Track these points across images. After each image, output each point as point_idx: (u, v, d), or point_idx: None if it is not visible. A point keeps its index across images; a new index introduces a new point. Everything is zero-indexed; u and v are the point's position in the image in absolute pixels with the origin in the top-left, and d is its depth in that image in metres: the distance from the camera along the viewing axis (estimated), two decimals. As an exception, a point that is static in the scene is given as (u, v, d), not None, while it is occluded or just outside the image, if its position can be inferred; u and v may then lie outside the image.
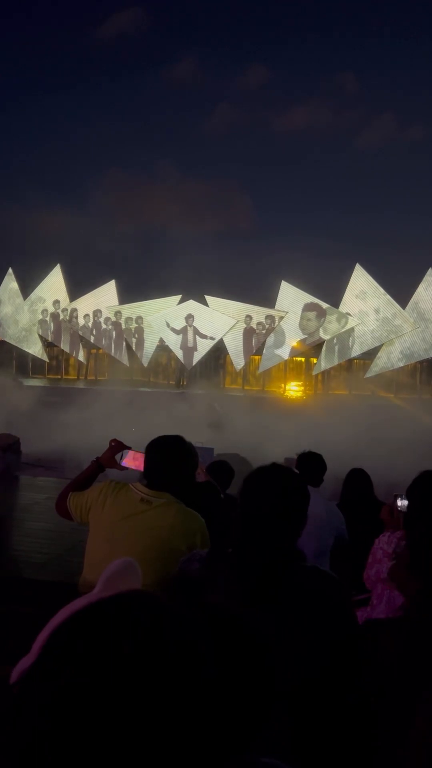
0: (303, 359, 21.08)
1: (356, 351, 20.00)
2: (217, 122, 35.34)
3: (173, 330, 20.85)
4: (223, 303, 20.60)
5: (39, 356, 22.57)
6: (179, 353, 21.04)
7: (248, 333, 20.51)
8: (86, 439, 7.68)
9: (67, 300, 22.09)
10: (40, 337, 22.46)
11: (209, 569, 1.58)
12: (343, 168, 34.80)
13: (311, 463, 4.03)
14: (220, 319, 20.56)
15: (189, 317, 20.78)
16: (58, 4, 40.80)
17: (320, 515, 3.45)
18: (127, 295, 21.61)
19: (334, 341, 20.04)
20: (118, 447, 2.61)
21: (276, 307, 20.42)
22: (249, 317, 20.46)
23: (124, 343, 21.57)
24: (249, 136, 38.62)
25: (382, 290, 19.60)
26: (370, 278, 19.74)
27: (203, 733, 0.58)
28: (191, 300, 20.85)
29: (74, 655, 0.58)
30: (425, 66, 38.35)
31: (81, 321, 21.93)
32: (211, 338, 20.66)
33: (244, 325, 20.50)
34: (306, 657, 1.33)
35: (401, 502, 2.65)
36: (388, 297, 19.54)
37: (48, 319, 22.34)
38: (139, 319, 21.32)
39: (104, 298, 21.75)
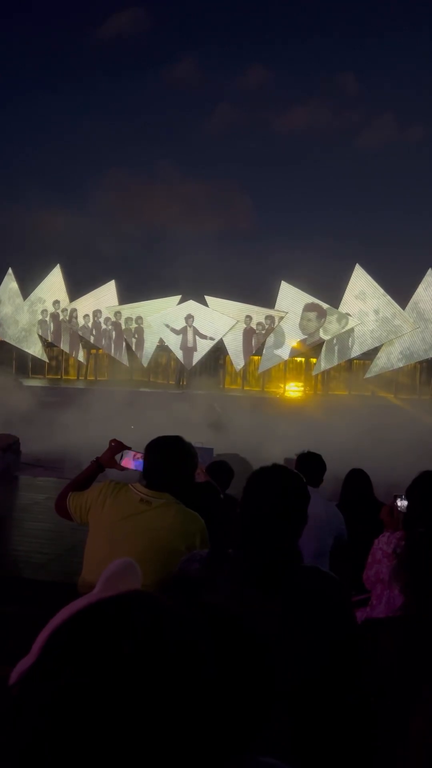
0: (303, 359, 21.09)
1: (356, 351, 20.01)
2: (217, 122, 35.33)
3: (173, 330, 20.86)
4: (223, 303, 20.61)
5: (39, 356, 22.57)
6: (179, 353, 21.05)
7: (248, 333, 20.52)
8: (86, 440, 7.69)
9: (67, 300, 22.09)
10: (40, 337, 22.46)
11: (209, 569, 1.58)
12: (343, 168, 34.79)
13: (311, 464, 4.03)
14: (219, 320, 20.57)
15: (189, 317, 20.78)
16: (58, 4, 40.80)
17: (320, 515, 3.45)
18: (127, 295, 21.62)
19: (334, 341, 20.05)
20: (117, 447, 2.61)
21: (276, 308, 20.42)
22: (249, 317, 20.47)
23: (124, 344, 21.57)
24: (249, 136, 38.62)
25: (381, 290, 19.61)
26: (370, 279, 19.75)
27: (203, 733, 0.58)
28: (191, 300, 20.86)
29: (74, 655, 0.58)
30: (426, 66, 38.38)
31: (81, 321, 21.93)
32: (211, 338, 20.66)
33: (244, 326, 20.51)
34: (306, 657, 1.33)
35: (401, 503, 2.65)
36: (388, 297, 19.55)
37: (48, 319, 22.34)
38: (139, 319, 21.32)
39: (104, 298, 21.75)
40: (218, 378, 21.14)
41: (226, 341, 20.69)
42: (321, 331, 19.99)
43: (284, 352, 20.50)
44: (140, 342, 21.38)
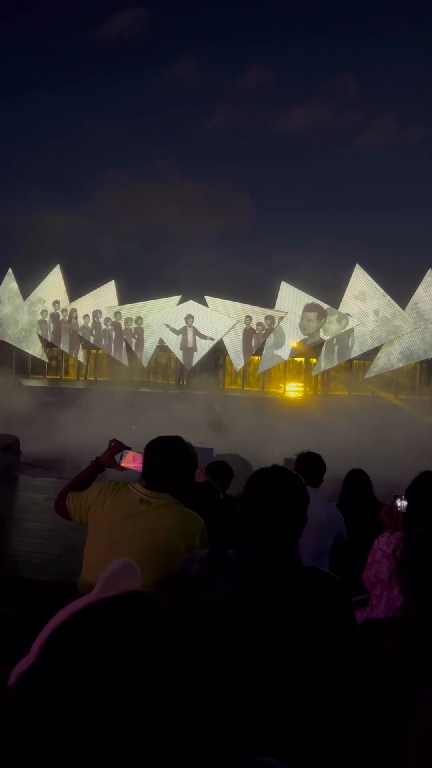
0: (303, 360, 21.09)
1: (356, 351, 20.01)
2: (217, 122, 35.33)
3: (173, 330, 20.86)
4: (223, 303, 20.61)
5: (39, 356, 22.57)
6: (179, 353, 21.05)
7: (248, 333, 20.52)
8: (86, 440, 7.69)
9: (67, 300, 22.09)
10: (40, 337, 22.46)
11: (208, 570, 1.58)
12: (343, 168, 34.80)
13: (310, 464, 4.03)
14: (219, 320, 20.57)
15: (189, 317, 20.79)
16: (58, 4, 40.81)
17: (320, 516, 3.45)
18: (127, 295, 21.62)
19: (334, 342, 20.05)
20: (117, 447, 2.61)
21: (276, 308, 20.43)
22: (249, 318, 20.47)
23: (124, 344, 21.58)
24: (249, 136, 38.60)
25: (381, 291, 19.62)
26: (370, 279, 19.76)
27: (203, 733, 0.58)
28: (191, 300, 20.86)
29: (74, 655, 0.58)
30: (426, 66, 38.38)
31: (81, 321, 21.94)
32: (211, 339, 20.67)
33: (244, 326, 20.51)
34: (306, 657, 1.33)
35: (401, 503, 2.65)
36: (388, 298, 19.55)
37: (48, 319, 22.34)
38: (139, 319, 21.33)
39: (104, 298, 21.76)
40: (218, 378, 21.14)
41: (226, 341, 20.69)
42: (321, 331, 20.00)
43: (284, 353, 20.50)
44: (140, 342, 21.38)
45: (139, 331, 21.36)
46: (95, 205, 33.35)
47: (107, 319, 21.61)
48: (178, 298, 20.99)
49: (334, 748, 1.27)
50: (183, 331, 20.87)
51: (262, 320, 20.45)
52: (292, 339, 20.21)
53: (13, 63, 38.88)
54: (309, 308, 20.04)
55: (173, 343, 21.02)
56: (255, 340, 20.55)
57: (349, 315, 19.72)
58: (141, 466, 2.43)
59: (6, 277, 22.47)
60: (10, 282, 22.47)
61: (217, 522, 2.59)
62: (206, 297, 20.64)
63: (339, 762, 1.27)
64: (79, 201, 35.59)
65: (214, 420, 12.59)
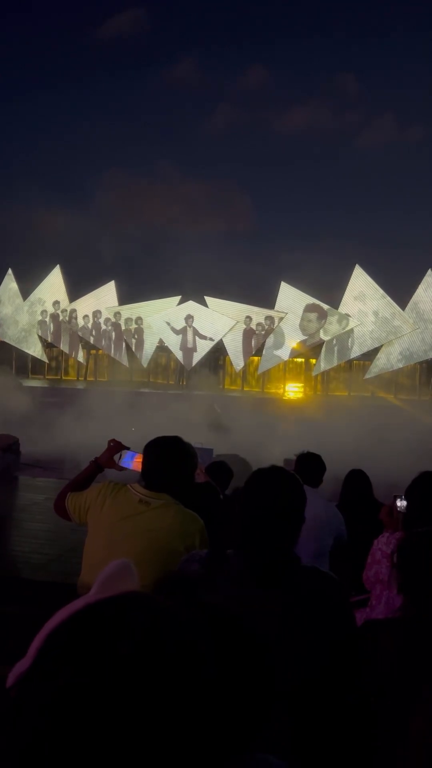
0: (302, 360, 21.09)
1: (356, 352, 20.02)
2: (217, 122, 35.36)
3: (173, 330, 20.86)
4: (223, 304, 20.62)
5: (38, 357, 22.57)
6: (179, 354, 21.05)
7: (248, 334, 20.52)
8: (85, 440, 7.69)
9: (67, 301, 22.09)
10: (40, 337, 22.46)
11: (208, 570, 1.58)
12: (343, 168, 34.84)
13: (310, 464, 4.03)
14: (219, 320, 20.57)
15: (188, 318, 20.79)
16: (59, 4, 40.83)
17: (320, 516, 3.45)
18: (127, 295, 21.62)
19: (334, 342, 20.06)
20: (116, 447, 2.60)
21: (275, 308, 20.43)
22: (248, 318, 20.47)
23: (124, 344, 21.58)
24: (249, 136, 38.62)
25: (381, 291, 19.62)
26: (370, 279, 19.76)
27: (204, 733, 0.58)
28: (191, 301, 20.86)
29: (73, 655, 0.58)
30: (426, 66, 38.40)
31: (80, 322, 21.94)
32: (211, 339, 20.67)
33: (244, 326, 20.51)
34: (306, 657, 1.33)
35: (401, 503, 2.65)
36: (388, 298, 19.56)
37: (47, 319, 22.34)
38: (139, 319, 21.33)
39: (104, 298, 21.76)
40: (218, 378, 21.14)
41: (225, 342, 20.70)
42: (321, 331, 20.00)
43: (284, 353, 20.51)
44: (140, 342, 21.38)
45: (139, 332, 21.36)
46: (95, 206, 33.36)
47: (107, 320, 21.61)
48: (178, 298, 20.99)
49: (334, 748, 1.27)
50: (183, 332, 20.87)
51: (262, 321, 20.45)
52: (292, 339, 20.22)
53: (13, 63, 38.90)
54: (309, 309, 20.05)
55: (173, 343, 21.02)
56: (255, 341, 20.55)
57: (348, 315, 19.73)
58: (140, 466, 2.42)
59: (6, 277, 22.48)
60: (10, 282, 22.47)
61: (217, 522, 2.59)
62: (206, 297, 20.65)
63: (339, 762, 1.27)
64: (79, 201, 35.58)
65: (214, 420, 12.59)
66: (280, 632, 1.31)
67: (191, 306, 20.85)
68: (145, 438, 2.43)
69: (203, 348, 20.77)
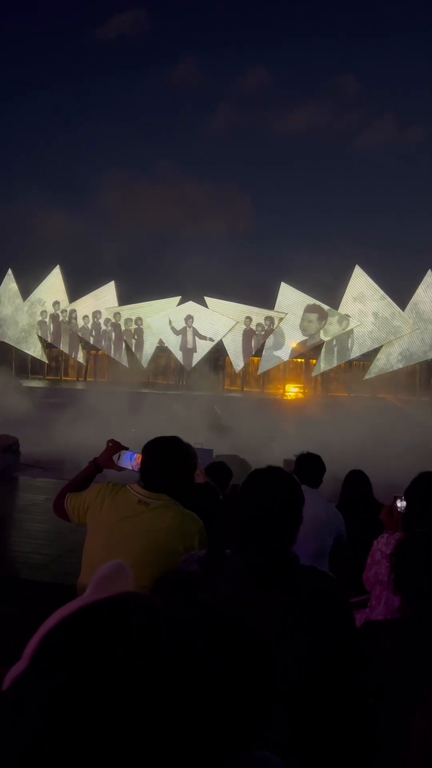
0: (302, 360, 21.10)
1: (355, 352, 20.02)
2: (217, 123, 35.41)
3: (174, 329, 20.86)
4: (223, 304, 20.62)
5: (38, 357, 22.57)
6: (179, 354, 21.05)
7: (248, 334, 20.52)
8: (85, 440, 7.68)
9: (67, 301, 22.09)
10: (40, 338, 22.46)
11: (207, 570, 1.58)
12: (343, 169, 34.89)
13: (310, 464, 4.03)
14: (219, 321, 20.57)
15: (188, 318, 20.79)
16: (60, 4, 40.87)
17: (320, 516, 3.45)
18: (127, 296, 21.63)
19: (334, 343, 20.06)
20: (115, 447, 2.60)
21: (275, 309, 20.43)
22: (248, 318, 20.47)
23: (124, 345, 21.58)
24: (249, 136, 38.69)
25: (381, 292, 19.63)
26: (370, 280, 19.76)
27: (204, 733, 0.57)
28: (191, 301, 20.86)
29: (70, 655, 0.58)
30: (426, 67, 38.45)
31: (80, 322, 21.93)
32: (211, 339, 20.67)
33: (244, 327, 20.51)
34: (306, 657, 1.33)
35: (401, 503, 2.65)
36: (388, 299, 19.56)
37: (47, 320, 22.34)
38: (139, 320, 21.33)
39: (104, 299, 21.76)
40: (218, 379, 21.13)
41: (225, 342, 20.69)
42: (321, 332, 20.00)
43: (284, 354, 20.51)
44: (140, 343, 21.38)
45: (139, 332, 21.35)
46: (95, 206, 33.39)
47: (107, 320, 21.61)
48: (177, 298, 21.00)
49: (334, 748, 1.27)
50: (183, 332, 20.87)
51: (262, 321, 20.46)
52: (292, 340, 20.22)
53: (13, 63, 38.95)
54: (310, 309, 20.05)
55: (173, 344, 21.02)
56: (255, 341, 20.55)
57: (348, 316, 19.73)
58: (139, 466, 2.42)
59: (6, 277, 22.48)
60: (10, 283, 22.48)
61: (217, 522, 2.59)
62: (206, 298, 20.65)
63: (339, 762, 1.27)
64: (79, 201, 35.64)
65: (214, 421, 12.58)
66: (280, 632, 1.31)
67: (191, 306, 20.85)
68: (144, 438, 2.43)
69: (203, 348, 20.77)
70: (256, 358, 20.90)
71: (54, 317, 22.26)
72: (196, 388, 19.18)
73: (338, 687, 1.34)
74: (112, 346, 21.72)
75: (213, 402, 15.11)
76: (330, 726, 1.28)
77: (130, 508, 2.28)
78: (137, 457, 2.48)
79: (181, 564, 1.79)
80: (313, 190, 35.97)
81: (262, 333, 20.45)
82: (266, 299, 20.59)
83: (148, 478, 2.35)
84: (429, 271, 19.28)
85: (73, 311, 21.99)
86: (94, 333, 21.88)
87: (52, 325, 22.31)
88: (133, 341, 21.44)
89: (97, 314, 21.74)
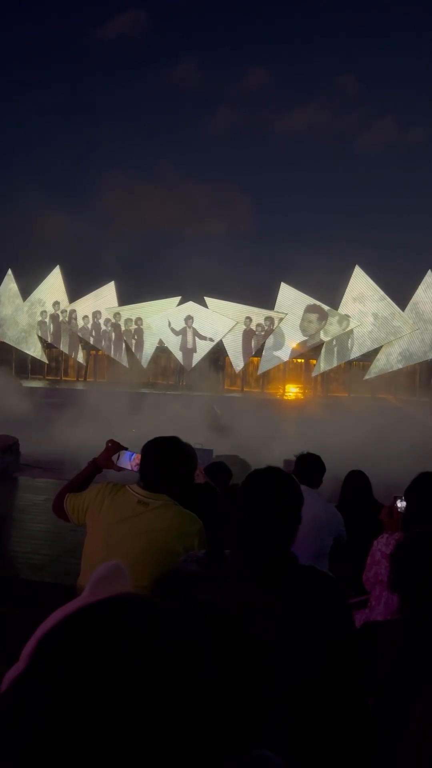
0: (302, 361, 21.10)
1: (355, 353, 20.02)
2: (217, 124, 35.44)
3: (173, 330, 20.86)
4: (223, 304, 20.62)
5: (38, 357, 22.56)
6: (178, 355, 21.05)
7: (248, 334, 20.52)
8: (85, 441, 7.68)
9: (67, 301, 22.09)
10: (40, 338, 22.46)
11: (206, 570, 1.58)
12: (343, 169, 34.91)
13: (310, 465, 4.03)
14: (219, 321, 20.57)
15: (188, 319, 20.79)
16: (60, 5, 40.91)
17: (319, 516, 3.45)
18: (127, 296, 21.63)
19: (334, 343, 20.06)
20: (114, 448, 2.59)
21: (275, 309, 20.43)
22: (248, 319, 20.47)
23: (124, 345, 21.57)
24: (249, 137, 38.72)
25: (381, 292, 19.63)
26: (369, 280, 19.77)
27: (204, 733, 0.57)
28: (191, 301, 20.86)
29: (68, 655, 0.57)
30: (426, 68, 38.48)
31: (80, 322, 21.93)
32: (211, 340, 20.67)
33: (244, 327, 20.51)
34: (306, 657, 1.33)
35: (401, 504, 2.65)
36: (388, 299, 19.56)
37: (47, 320, 22.34)
38: (139, 320, 21.32)
39: (104, 299, 21.76)
40: (218, 379, 21.13)
41: (225, 342, 20.69)
42: (321, 332, 20.00)
43: (284, 354, 20.51)
44: (140, 343, 21.38)
45: (139, 332, 21.35)
46: (95, 206, 33.40)
47: (107, 320, 21.61)
48: (177, 299, 21.00)
49: (334, 748, 1.27)
50: (182, 332, 20.87)
51: (262, 321, 20.45)
52: (292, 340, 20.22)
53: (13, 63, 38.98)
54: (310, 309, 20.06)
55: (173, 344, 21.01)
56: (255, 342, 20.55)
57: (348, 316, 19.73)
58: (138, 466, 2.42)
59: (6, 277, 22.48)
60: (10, 283, 22.48)
61: (216, 523, 2.59)
62: (206, 298, 20.65)
63: (339, 762, 1.27)
64: (79, 201, 35.67)
65: (214, 421, 12.59)
66: (280, 632, 1.31)
67: (191, 307, 20.85)
68: (144, 439, 2.43)
69: (203, 349, 20.77)
70: (256, 359, 20.90)
71: (54, 317, 22.26)
72: (196, 388, 19.17)
73: (338, 687, 1.34)
74: (112, 347, 21.72)
75: (213, 402, 15.11)
76: (330, 726, 1.28)
77: (129, 509, 2.28)
78: (136, 457, 2.48)
79: (180, 564, 1.79)
80: (313, 190, 36.02)
81: (262, 333, 20.45)
82: (266, 299, 20.62)
83: (147, 478, 2.35)
84: (429, 271, 19.29)
85: (73, 311, 21.99)
86: (94, 333, 21.88)
87: (52, 326, 22.31)
88: (133, 341, 21.44)
89: (97, 314, 21.74)
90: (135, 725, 0.54)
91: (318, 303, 20.05)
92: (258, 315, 20.48)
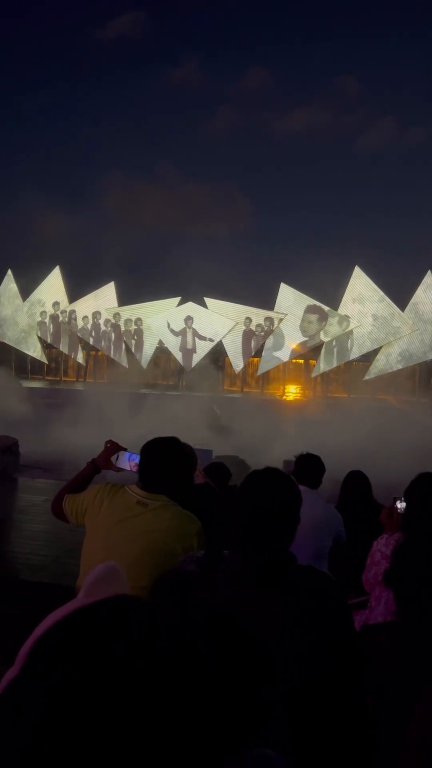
0: (302, 361, 21.10)
1: (355, 353, 20.03)
2: (217, 124, 35.49)
3: (173, 331, 20.86)
4: (223, 305, 20.62)
5: (38, 358, 22.56)
6: (178, 355, 21.05)
7: (247, 335, 20.53)
8: (85, 441, 7.67)
9: (67, 302, 22.09)
10: (39, 338, 22.46)
11: (205, 570, 1.58)
12: (343, 170, 34.93)
13: (309, 465, 4.03)
14: (219, 321, 20.58)
15: (188, 319, 20.79)
16: (60, 5, 40.94)
17: (319, 517, 3.45)
18: (126, 296, 21.64)
19: (333, 343, 20.06)
20: (113, 448, 2.59)
21: (275, 310, 20.43)
22: (248, 319, 20.48)
23: (124, 345, 21.57)
24: (249, 138, 38.76)
25: (381, 292, 19.63)
26: (369, 281, 19.77)
27: (204, 733, 0.57)
28: (190, 302, 20.86)
29: (66, 656, 0.57)
30: (426, 68, 38.52)
31: (80, 323, 21.93)
32: (210, 340, 20.67)
33: (244, 327, 20.51)
34: (306, 657, 1.33)
35: (400, 504, 2.65)
36: (387, 300, 19.57)
37: (47, 320, 22.34)
38: (139, 320, 21.33)
39: (103, 299, 21.76)
40: (218, 380, 21.13)
41: (225, 343, 20.69)
42: (321, 333, 20.01)
43: (283, 354, 20.51)
44: (139, 344, 21.38)
45: (139, 333, 21.35)
46: (95, 206, 33.42)
47: (107, 321, 21.61)
48: (177, 299, 21.00)
49: (334, 748, 1.27)
50: (182, 333, 20.87)
51: (262, 322, 20.46)
52: (292, 341, 20.22)
53: (14, 63, 39.00)
54: (309, 310, 20.06)
55: (173, 344, 21.02)
56: (254, 342, 20.56)
57: (348, 317, 19.73)
58: (137, 467, 2.42)
59: (6, 278, 22.48)
60: (10, 283, 22.48)
61: (216, 523, 2.59)
62: (206, 298, 20.65)
63: (339, 762, 1.27)
64: (80, 202, 35.68)
65: (214, 422, 12.59)
66: (280, 632, 1.31)
67: (191, 307, 20.85)
68: (143, 439, 2.43)
69: (203, 349, 20.77)
70: (255, 359, 20.90)
71: (54, 318, 22.26)
72: (195, 388, 19.16)
73: (338, 687, 1.34)
74: (112, 347, 21.72)
75: (212, 403, 15.11)
76: (330, 726, 1.27)
77: (128, 509, 2.28)
78: (135, 458, 2.47)
79: (179, 565, 1.79)
80: (313, 191, 36.07)
81: (262, 334, 20.45)
82: (266, 300, 20.63)
83: (146, 478, 2.34)
84: (429, 272, 19.30)
85: (73, 312, 21.99)
86: (93, 333, 21.88)
87: (51, 326, 22.31)
88: (133, 342, 21.44)
89: (96, 315, 21.74)
90: (135, 725, 0.54)
91: (318, 303, 20.06)
92: (258, 315, 20.48)
